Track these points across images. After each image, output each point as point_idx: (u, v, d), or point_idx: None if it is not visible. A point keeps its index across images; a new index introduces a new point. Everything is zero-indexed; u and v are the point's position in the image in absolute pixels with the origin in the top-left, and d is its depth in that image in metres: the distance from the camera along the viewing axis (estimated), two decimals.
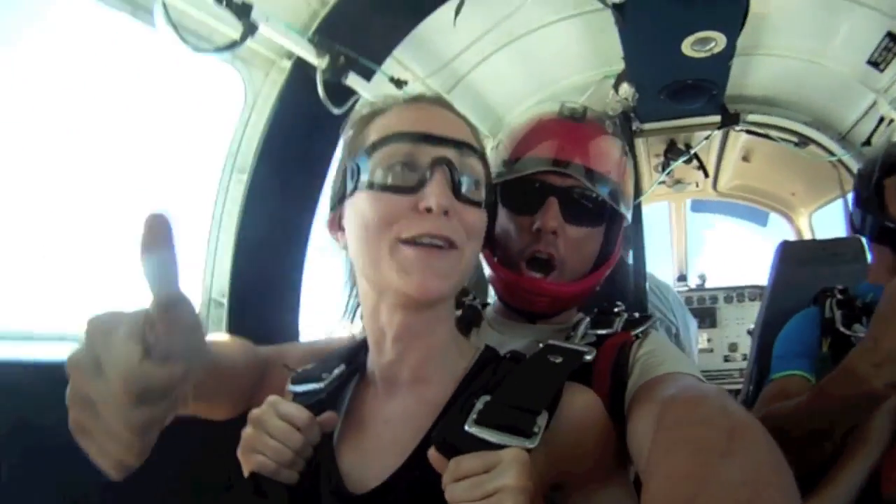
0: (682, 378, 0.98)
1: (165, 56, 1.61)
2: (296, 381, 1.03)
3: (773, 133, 3.19)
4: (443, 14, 2.01)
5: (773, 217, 4.88)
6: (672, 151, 3.73)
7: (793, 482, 0.58)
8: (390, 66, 2.10)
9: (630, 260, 2.36)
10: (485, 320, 1.35)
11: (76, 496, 1.31)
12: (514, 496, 0.70)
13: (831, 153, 3.13)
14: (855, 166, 3.01)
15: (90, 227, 1.76)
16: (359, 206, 0.89)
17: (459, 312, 1.32)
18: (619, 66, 2.65)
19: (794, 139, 3.18)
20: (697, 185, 4.64)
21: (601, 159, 1.24)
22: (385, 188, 0.86)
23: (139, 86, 1.86)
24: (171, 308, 0.63)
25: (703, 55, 2.27)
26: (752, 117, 3.12)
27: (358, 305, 1.03)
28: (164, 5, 1.44)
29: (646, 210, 4.75)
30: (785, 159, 3.58)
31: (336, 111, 1.81)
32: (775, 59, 2.76)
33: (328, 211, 1.00)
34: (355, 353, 1.05)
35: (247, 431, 0.91)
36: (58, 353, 1.36)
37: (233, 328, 1.86)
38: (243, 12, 1.53)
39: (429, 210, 0.84)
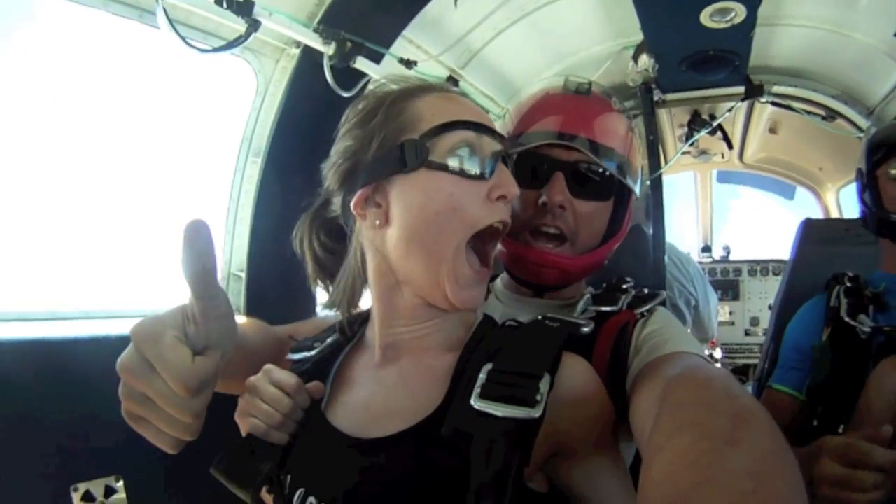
0: (687, 358, 0.98)
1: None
2: (294, 351, 1.10)
3: (799, 106, 3.09)
4: None
5: (800, 191, 4.77)
6: (696, 122, 3.65)
7: (797, 471, 0.57)
8: (401, 46, 2.11)
9: (650, 230, 2.34)
10: (492, 294, 1.36)
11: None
12: None
13: (859, 128, 3.03)
14: None
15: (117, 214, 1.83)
16: (426, 186, 0.89)
17: None
18: (638, 37, 2.61)
19: (822, 112, 3.09)
20: (723, 156, 4.55)
21: (606, 134, 1.23)
22: (458, 172, 0.89)
23: (163, 78, 1.94)
24: (209, 302, 0.76)
25: (723, 26, 2.22)
26: (777, 89, 3.03)
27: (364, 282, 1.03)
28: (165, 10, 1.47)
29: (671, 179, 4.72)
30: (813, 133, 3.50)
31: (346, 94, 1.84)
32: (800, 30, 2.67)
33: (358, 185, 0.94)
34: (351, 324, 1.09)
35: (243, 397, 0.97)
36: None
37: (251, 300, 1.95)
38: (245, 9, 1.56)
39: (501, 198, 0.91)
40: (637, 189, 1.30)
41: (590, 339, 1.08)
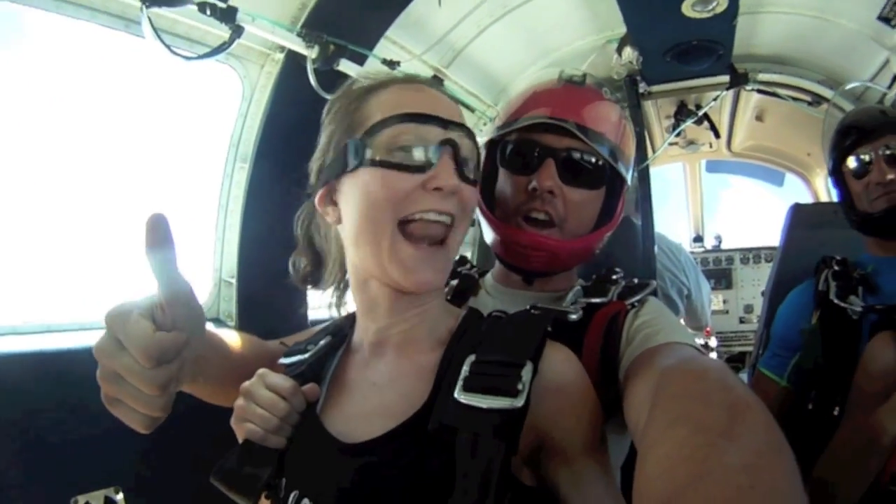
0: (679, 349, 0.99)
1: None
2: (287, 355, 1.10)
3: (784, 92, 3.09)
4: None
5: (790, 177, 4.78)
6: (682, 113, 3.66)
7: (794, 463, 0.57)
8: (384, 47, 2.11)
9: (639, 222, 2.35)
10: (482, 289, 1.36)
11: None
12: None
13: (845, 112, 3.03)
14: None
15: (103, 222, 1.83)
16: (364, 183, 0.91)
17: (455, 282, 1.35)
18: (621, 29, 2.61)
19: (808, 98, 3.07)
20: (711, 146, 4.57)
21: (598, 121, 1.23)
22: (393, 166, 0.89)
23: (152, 89, 1.96)
24: (173, 289, 0.80)
25: (705, 15, 2.22)
26: (762, 76, 3.03)
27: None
28: (150, 20, 1.46)
29: (661, 171, 4.73)
30: (799, 119, 3.48)
31: (330, 97, 1.81)
32: (782, 17, 2.67)
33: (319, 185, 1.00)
34: (342, 326, 1.10)
35: (238, 402, 0.97)
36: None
37: (242, 306, 1.94)
38: (228, 16, 1.56)
39: (438, 189, 0.89)
40: (629, 178, 1.30)
41: (580, 330, 1.09)
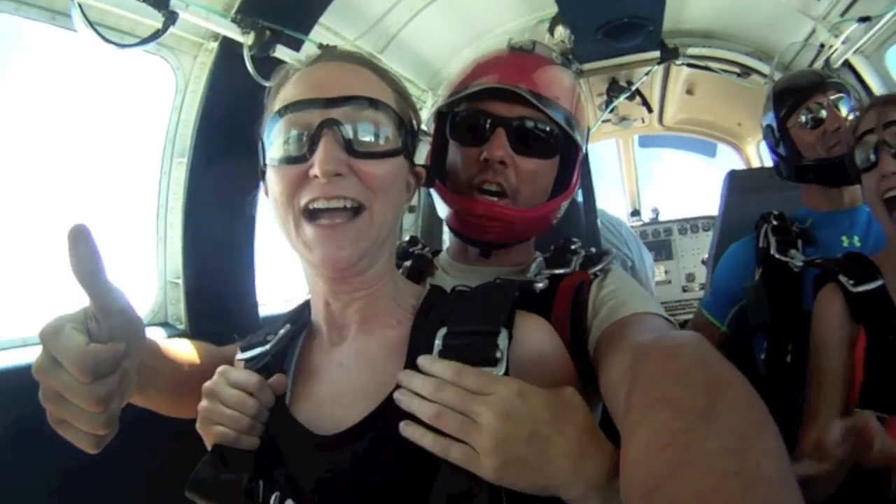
0: (649, 320, 0.99)
1: (93, 54, 1.58)
2: (244, 349, 1.04)
3: (714, 65, 3.18)
4: None
5: (722, 148, 4.94)
6: (614, 89, 3.73)
7: (778, 439, 0.56)
8: (319, 33, 2.07)
9: (580, 198, 2.38)
10: (438, 268, 1.33)
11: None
12: (489, 430, 0.73)
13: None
14: None
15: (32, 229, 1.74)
16: (269, 181, 0.90)
17: (409, 263, 1.32)
18: (552, 9, 2.63)
19: (737, 70, 3.17)
20: (644, 121, 4.67)
21: (551, 86, 1.19)
22: (282, 161, 0.87)
23: (77, 85, 1.86)
24: (105, 299, 0.77)
25: None
26: (692, 51, 3.10)
27: None
28: (81, 7, 1.40)
29: (594, 148, 4.80)
30: (729, 91, 3.58)
31: (268, 84, 1.77)
32: None
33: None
34: (299, 313, 1.06)
35: (202, 405, 0.92)
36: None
37: (191, 307, 1.88)
38: (161, 3, 1.50)
39: (316, 177, 0.84)
40: (585, 145, 1.27)
41: (546, 301, 1.08)
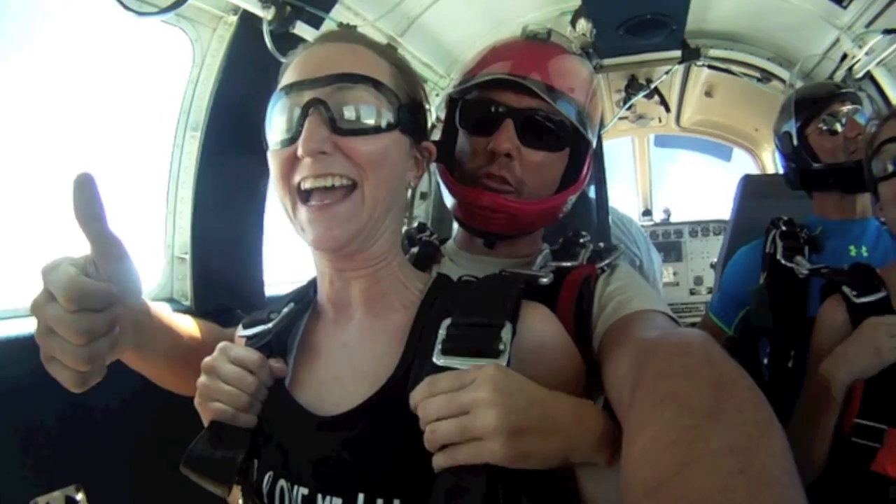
0: (655, 318, 0.98)
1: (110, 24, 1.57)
2: (247, 326, 1.04)
3: (734, 68, 3.14)
4: None
5: (737, 152, 4.90)
6: (633, 87, 3.70)
7: (783, 440, 0.55)
8: (340, 12, 2.05)
9: (592, 194, 2.38)
10: (445, 256, 1.33)
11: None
12: (487, 408, 0.72)
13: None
14: None
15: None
16: (270, 165, 0.91)
17: (416, 250, 1.31)
18: (576, 2, 2.61)
19: (757, 75, 3.13)
20: (660, 121, 4.63)
21: (563, 77, 1.18)
22: (277, 143, 0.89)
23: (94, 55, 1.84)
24: (103, 246, 0.81)
25: None
26: (713, 52, 3.06)
27: None
28: None
29: (610, 145, 4.79)
30: (748, 95, 3.55)
31: (286, 61, 1.76)
32: None
33: None
34: (304, 291, 1.05)
35: (201, 381, 0.92)
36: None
37: (197, 283, 1.87)
38: None
39: (303, 157, 0.85)
40: (594, 140, 1.26)
41: (552, 293, 1.07)
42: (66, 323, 0.75)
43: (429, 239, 1.37)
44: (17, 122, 1.66)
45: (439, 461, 0.75)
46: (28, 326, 1.31)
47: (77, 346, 0.76)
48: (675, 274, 4.65)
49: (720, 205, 4.74)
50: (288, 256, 2.26)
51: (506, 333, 0.81)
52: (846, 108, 1.73)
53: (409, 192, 1.02)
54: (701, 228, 4.69)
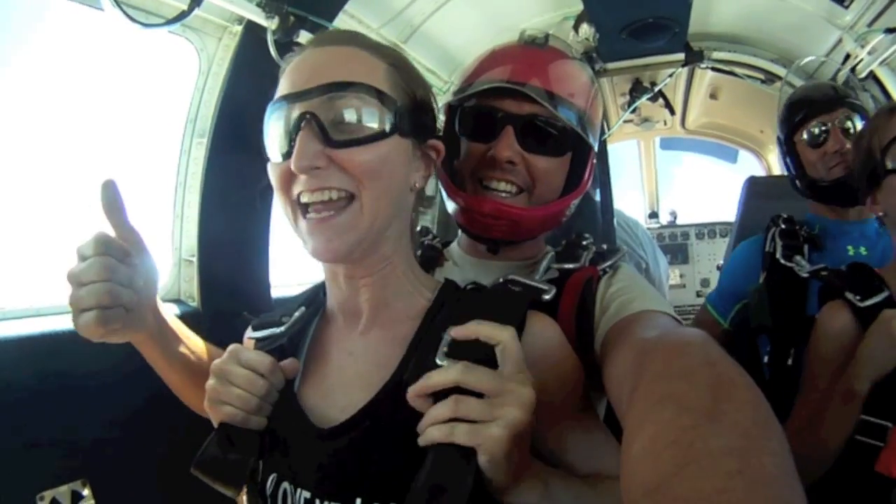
0: (657, 318, 0.98)
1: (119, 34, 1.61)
2: (256, 328, 1.05)
3: (738, 70, 3.14)
4: None
5: (743, 154, 4.90)
6: (637, 90, 3.71)
7: (782, 441, 0.54)
8: (343, 21, 2.08)
9: (597, 197, 2.38)
10: (448, 260, 1.32)
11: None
12: (519, 396, 0.76)
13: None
14: None
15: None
16: (270, 177, 0.91)
17: (419, 254, 1.28)
18: (578, 6, 2.61)
19: (761, 76, 3.13)
20: (666, 124, 4.65)
21: (563, 82, 1.16)
22: (275, 157, 0.88)
23: (103, 64, 1.90)
24: (125, 235, 0.96)
25: None
26: (716, 55, 3.06)
27: None
28: None
29: (615, 148, 4.80)
30: (752, 97, 3.54)
31: (283, 65, 1.78)
32: None
33: None
34: (314, 295, 1.06)
35: (210, 383, 0.92)
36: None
37: (204, 286, 1.90)
38: None
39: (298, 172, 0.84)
40: (596, 144, 1.24)
41: (555, 295, 1.05)
42: (91, 265, 0.89)
43: (431, 243, 1.38)
44: (29, 129, 1.70)
45: (433, 434, 0.76)
46: (28, 326, 1.37)
47: (100, 283, 0.88)
48: (681, 276, 4.64)
49: (727, 207, 4.73)
50: (295, 257, 2.27)
51: None
52: (835, 118, 1.70)
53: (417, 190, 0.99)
54: (707, 230, 4.68)
